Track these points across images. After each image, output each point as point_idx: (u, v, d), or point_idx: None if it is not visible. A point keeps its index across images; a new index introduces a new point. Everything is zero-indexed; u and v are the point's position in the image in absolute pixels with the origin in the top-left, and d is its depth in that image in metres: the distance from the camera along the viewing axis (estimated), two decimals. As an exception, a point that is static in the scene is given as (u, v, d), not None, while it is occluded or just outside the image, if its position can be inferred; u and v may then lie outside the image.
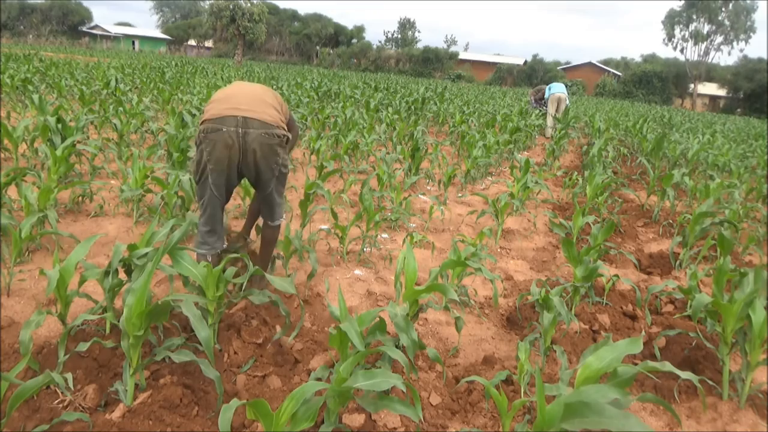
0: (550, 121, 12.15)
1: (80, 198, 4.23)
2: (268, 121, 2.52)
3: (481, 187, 6.62)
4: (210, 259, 2.67)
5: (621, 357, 1.69)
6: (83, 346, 2.02)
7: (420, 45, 63.87)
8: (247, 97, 2.58)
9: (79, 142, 5.09)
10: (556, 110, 12.10)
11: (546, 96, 12.56)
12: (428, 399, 2.20)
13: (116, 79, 11.33)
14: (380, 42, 66.57)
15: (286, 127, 2.69)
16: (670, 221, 5.25)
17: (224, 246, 2.84)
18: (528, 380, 2.20)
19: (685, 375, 1.77)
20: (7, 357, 2.20)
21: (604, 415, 1.37)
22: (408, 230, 4.47)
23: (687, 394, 2.37)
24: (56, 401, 1.93)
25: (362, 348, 1.82)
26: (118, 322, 1.93)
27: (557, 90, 12.22)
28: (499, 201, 4.43)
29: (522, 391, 2.19)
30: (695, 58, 53.28)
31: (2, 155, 5.33)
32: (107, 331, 2.36)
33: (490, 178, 7.15)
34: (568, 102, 12.30)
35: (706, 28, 51.72)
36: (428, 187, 6.28)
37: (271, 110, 2.58)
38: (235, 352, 2.37)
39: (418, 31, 74.39)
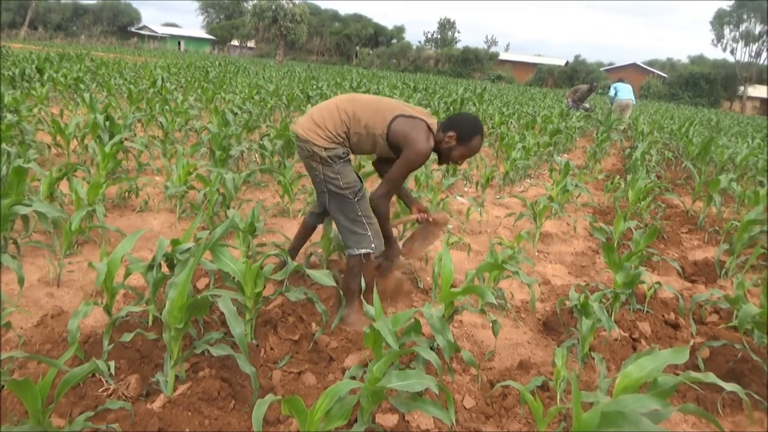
0: (616, 115, 11.57)
1: (126, 193, 4.38)
2: (302, 135, 2.65)
3: (520, 190, 6.54)
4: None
5: (663, 367, 1.63)
6: (127, 337, 2.09)
7: (460, 45, 63.55)
8: (309, 113, 2.70)
9: (126, 139, 5.25)
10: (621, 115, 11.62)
11: (611, 95, 11.90)
12: (462, 402, 2.19)
13: (162, 79, 11.65)
14: (420, 42, 66.56)
15: (323, 142, 2.59)
16: (716, 228, 5.07)
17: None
18: (564, 387, 2.17)
19: (730, 387, 1.71)
20: (56, 345, 2.29)
21: (641, 427, 1.33)
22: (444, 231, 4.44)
23: (731, 407, 2.30)
24: (101, 389, 2.00)
25: (396, 348, 1.83)
26: (161, 314, 1.98)
27: (625, 96, 11.39)
28: (538, 204, 4.37)
29: (558, 397, 2.16)
30: (746, 59, 51.31)
31: (55, 151, 5.56)
32: (150, 323, 2.43)
33: (528, 181, 7.05)
34: (634, 102, 11.66)
35: (758, 28, 49.75)
36: (466, 189, 6.24)
37: (311, 125, 2.63)
38: (272, 348, 2.41)
39: (458, 32, 73.95)
